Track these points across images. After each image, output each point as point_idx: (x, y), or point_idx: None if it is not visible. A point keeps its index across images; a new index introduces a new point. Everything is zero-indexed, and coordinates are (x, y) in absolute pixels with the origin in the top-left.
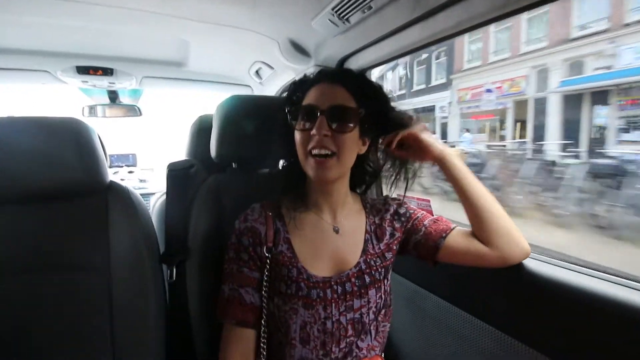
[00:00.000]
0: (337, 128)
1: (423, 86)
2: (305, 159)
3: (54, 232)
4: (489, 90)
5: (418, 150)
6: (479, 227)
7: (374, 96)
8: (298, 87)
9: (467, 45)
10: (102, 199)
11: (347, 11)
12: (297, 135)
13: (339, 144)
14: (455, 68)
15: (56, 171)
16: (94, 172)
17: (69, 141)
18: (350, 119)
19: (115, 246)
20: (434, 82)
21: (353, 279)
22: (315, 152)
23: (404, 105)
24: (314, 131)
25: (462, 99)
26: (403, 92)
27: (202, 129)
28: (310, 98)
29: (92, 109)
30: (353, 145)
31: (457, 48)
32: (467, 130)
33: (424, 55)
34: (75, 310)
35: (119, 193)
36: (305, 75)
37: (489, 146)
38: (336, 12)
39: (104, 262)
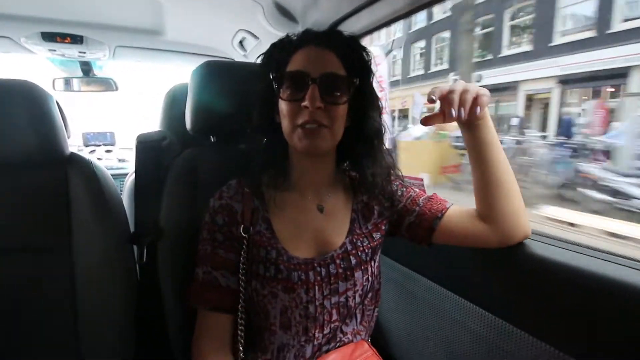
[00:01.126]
0: (330, 99)
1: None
2: (293, 131)
3: (5, 210)
4: None
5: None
6: (490, 203)
7: (365, 65)
8: (280, 49)
9: None
10: (61, 172)
11: None
12: (284, 106)
13: (332, 117)
14: None
15: (4, 139)
16: (50, 141)
17: (20, 105)
18: (343, 89)
19: (77, 224)
20: (618, 27)
21: (338, 261)
22: (307, 126)
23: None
24: (306, 103)
25: None
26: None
27: (176, 100)
28: (296, 63)
29: (67, 82)
30: (345, 117)
31: None
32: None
33: None
34: (34, 295)
35: (81, 166)
36: (287, 36)
37: None
38: None
39: (65, 243)
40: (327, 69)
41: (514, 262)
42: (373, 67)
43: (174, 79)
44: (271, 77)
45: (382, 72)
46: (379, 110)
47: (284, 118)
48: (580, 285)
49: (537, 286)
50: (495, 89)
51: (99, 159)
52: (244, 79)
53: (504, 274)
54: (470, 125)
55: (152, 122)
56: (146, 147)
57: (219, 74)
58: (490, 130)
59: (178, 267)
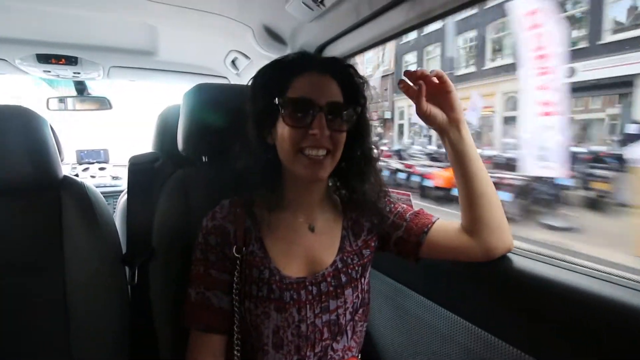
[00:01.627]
0: (335, 127)
1: None
2: (295, 156)
3: (0, 231)
4: None
5: (443, 105)
6: (473, 214)
7: (361, 93)
8: (279, 72)
9: None
10: (55, 195)
11: None
12: (287, 130)
13: (336, 143)
14: None
15: (0, 164)
16: (44, 165)
17: (15, 131)
18: (346, 117)
19: (70, 246)
20: None
21: (329, 279)
22: (312, 152)
23: None
24: (315, 131)
25: None
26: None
27: (169, 121)
28: (300, 89)
29: (61, 101)
30: (344, 142)
31: None
32: None
33: None
34: (28, 316)
35: (74, 188)
36: (286, 57)
37: None
38: None
39: (58, 264)
40: (332, 97)
41: (500, 276)
42: (367, 93)
43: (167, 97)
44: (269, 100)
45: (550, 35)
46: (371, 133)
47: (284, 142)
48: (563, 299)
49: (522, 300)
50: (592, 87)
51: (92, 176)
52: (235, 101)
53: (490, 288)
54: (448, 131)
55: (145, 142)
56: (139, 170)
57: (210, 96)
58: (467, 139)
59: (170, 287)
